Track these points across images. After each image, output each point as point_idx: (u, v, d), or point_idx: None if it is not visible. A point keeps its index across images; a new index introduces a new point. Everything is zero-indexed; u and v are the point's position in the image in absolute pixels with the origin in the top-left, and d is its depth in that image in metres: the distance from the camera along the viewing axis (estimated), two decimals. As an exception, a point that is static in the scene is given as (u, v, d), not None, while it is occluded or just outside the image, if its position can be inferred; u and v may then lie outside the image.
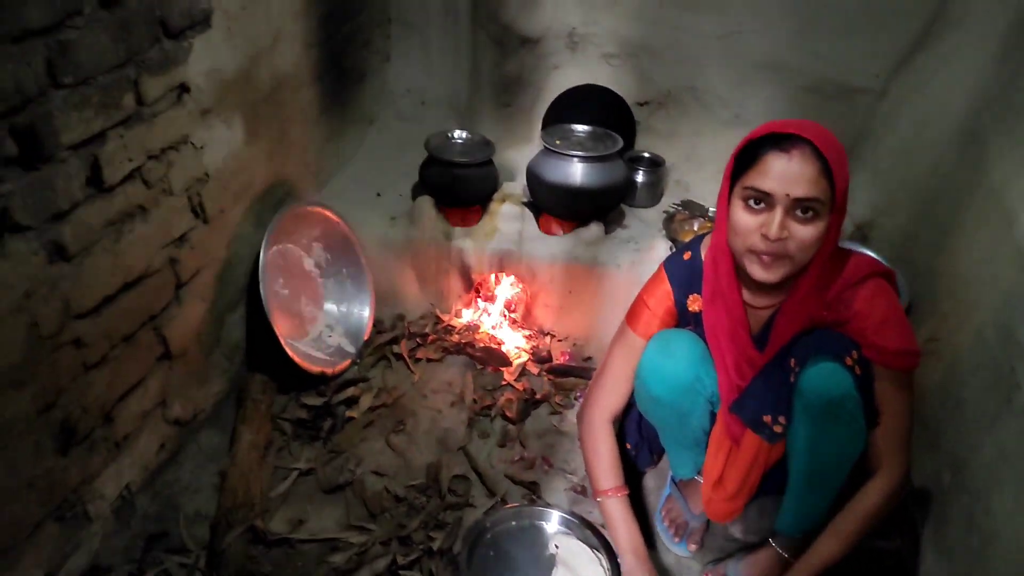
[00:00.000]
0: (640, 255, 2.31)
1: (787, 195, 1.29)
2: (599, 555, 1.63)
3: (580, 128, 2.44)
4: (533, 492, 1.85)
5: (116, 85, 1.41)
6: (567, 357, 2.32)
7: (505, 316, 2.42)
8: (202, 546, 1.64)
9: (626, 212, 2.53)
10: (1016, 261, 1.59)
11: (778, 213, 1.30)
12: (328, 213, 2.24)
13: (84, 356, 1.44)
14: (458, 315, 2.43)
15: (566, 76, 2.79)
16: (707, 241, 1.55)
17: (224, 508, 1.68)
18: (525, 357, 2.29)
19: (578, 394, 2.18)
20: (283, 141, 2.15)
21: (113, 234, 1.47)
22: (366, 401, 2.07)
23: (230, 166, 1.87)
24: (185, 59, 1.62)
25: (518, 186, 2.51)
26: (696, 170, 2.74)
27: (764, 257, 1.34)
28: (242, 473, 1.75)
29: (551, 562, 1.64)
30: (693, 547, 1.73)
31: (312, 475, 1.85)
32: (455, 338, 2.33)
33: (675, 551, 1.74)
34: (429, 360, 2.26)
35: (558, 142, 2.33)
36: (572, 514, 1.73)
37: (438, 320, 2.40)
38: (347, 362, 2.19)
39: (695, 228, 2.34)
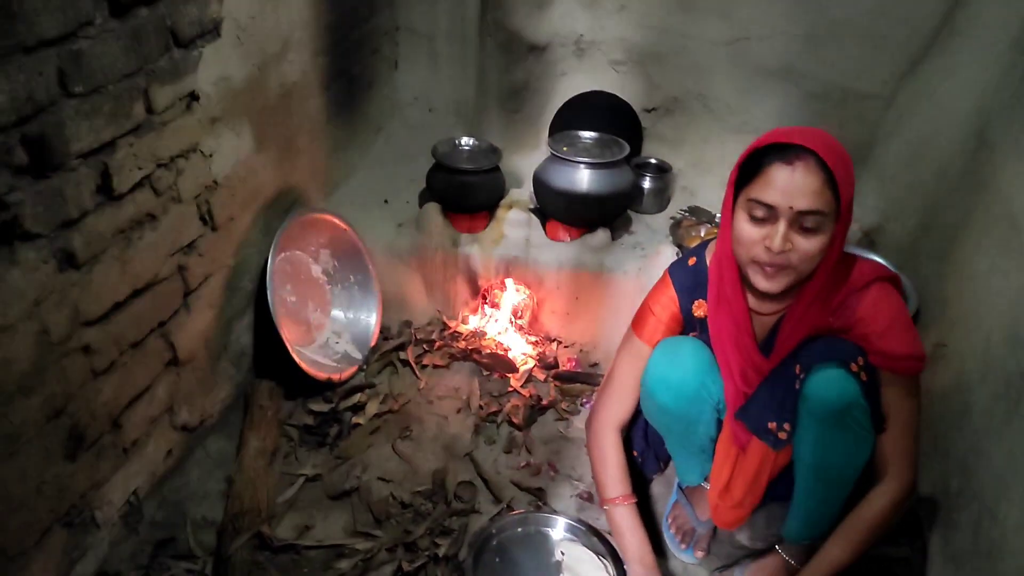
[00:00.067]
0: (647, 261, 2.31)
1: (790, 208, 1.28)
2: (605, 562, 1.63)
3: (587, 135, 2.45)
4: (539, 498, 1.85)
5: (126, 94, 1.43)
6: (573, 363, 2.32)
7: (512, 322, 2.42)
8: (209, 552, 1.65)
9: (633, 218, 2.54)
10: (1024, 267, 1.58)
11: (781, 226, 1.30)
12: (336, 220, 2.25)
13: (93, 363, 1.45)
14: (465, 321, 2.44)
15: (573, 83, 2.80)
16: (712, 247, 1.55)
17: (231, 514, 1.69)
18: (531, 363, 2.30)
19: (584, 400, 2.18)
20: (291, 149, 2.17)
21: (122, 242, 1.48)
22: (372, 407, 2.08)
23: (239, 174, 1.88)
24: (195, 68, 1.63)
25: (525, 192, 2.52)
26: (703, 176, 2.74)
27: (767, 268, 1.34)
28: (249, 479, 1.76)
29: (557, 569, 1.64)
30: (700, 554, 1.73)
31: (318, 481, 1.86)
32: (462, 344, 2.34)
33: (682, 558, 1.73)
34: (435, 366, 2.26)
35: (565, 148, 2.34)
36: (578, 521, 1.73)
37: (445, 326, 2.41)
38: (354, 368, 2.20)
39: (702, 234, 2.34)
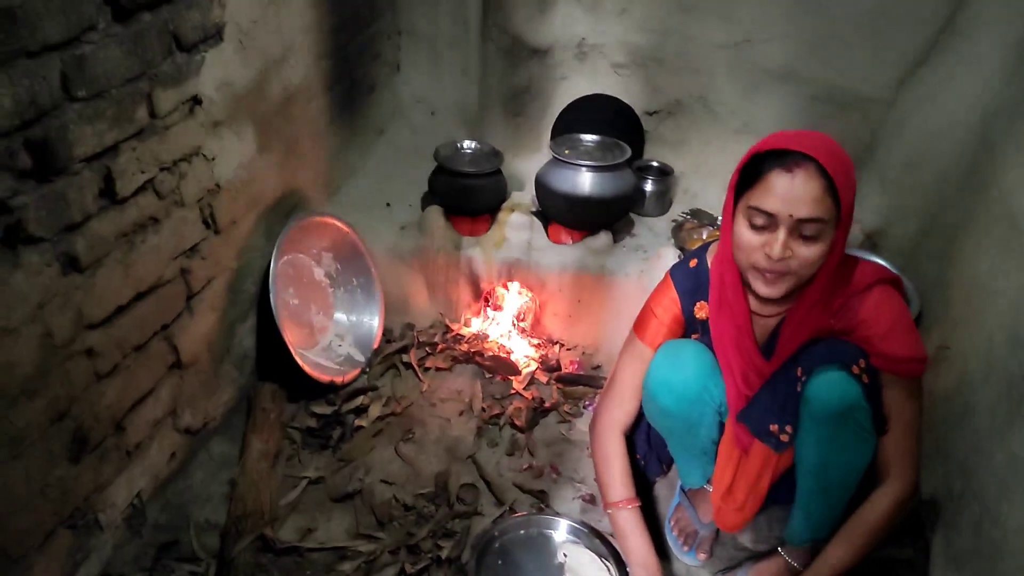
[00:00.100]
0: (649, 264, 2.31)
1: (790, 215, 1.28)
2: (608, 564, 1.63)
3: (588, 138, 2.45)
4: (542, 501, 1.85)
5: (129, 98, 1.43)
6: (576, 366, 2.32)
7: (514, 325, 2.42)
8: (212, 554, 1.65)
9: (635, 221, 2.54)
10: (1026, 269, 1.58)
11: (781, 233, 1.30)
12: (338, 223, 2.26)
13: (96, 366, 1.46)
14: (467, 324, 2.44)
15: (575, 86, 2.80)
16: (713, 248, 1.55)
17: (234, 516, 1.69)
18: (534, 366, 2.30)
19: (587, 403, 2.18)
20: (294, 152, 2.17)
21: (125, 245, 1.49)
22: (375, 410, 2.08)
23: (241, 177, 1.89)
24: (197, 72, 1.64)
25: (527, 195, 2.53)
26: (705, 179, 2.74)
27: (767, 275, 1.34)
28: (252, 482, 1.76)
29: (559, 571, 1.65)
30: (703, 556, 1.73)
31: (321, 484, 1.86)
32: (464, 347, 2.34)
33: (684, 560, 1.73)
34: (438, 369, 2.26)
35: (567, 152, 2.34)
36: (580, 523, 1.73)
37: (447, 329, 2.41)
38: (356, 371, 2.21)
39: (704, 237, 2.34)
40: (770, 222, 1.30)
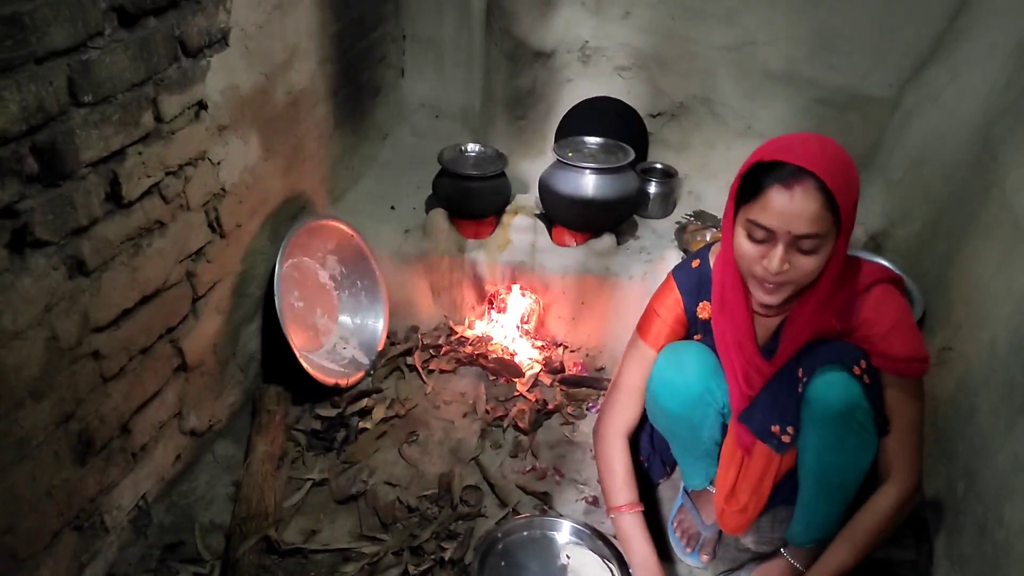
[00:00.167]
0: (652, 266, 2.32)
1: (788, 232, 1.27)
2: (610, 565, 1.64)
3: (592, 140, 2.46)
4: (545, 503, 1.86)
5: (135, 103, 1.45)
6: (579, 368, 2.33)
7: (518, 327, 2.43)
8: (217, 556, 1.67)
9: (639, 223, 2.55)
10: (1029, 270, 1.58)
11: (779, 249, 1.29)
12: (343, 226, 2.27)
13: (102, 368, 1.47)
14: (471, 326, 2.45)
15: (579, 89, 2.81)
16: (715, 249, 1.55)
17: (238, 518, 1.70)
18: (538, 368, 2.31)
19: (590, 404, 2.18)
20: (298, 156, 2.19)
21: (131, 249, 1.50)
22: (379, 412, 2.09)
23: (246, 181, 1.90)
24: (203, 77, 1.66)
25: (531, 198, 2.53)
26: (709, 181, 2.74)
27: (766, 284, 1.34)
28: (256, 483, 1.77)
29: (562, 572, 1.65)
30: (705, 558, 1.73)
31: (325, 485, 1.87)
32: (468, 349, 2.35)
33: (687, 562, 1.73)
34: (442, 371, 2.27)
35: (570, 154, 2.35)
36: (583, 524, 1.74)
37: (451, 332, 2.42)
38: (361, 373, 2.22)
39: (707, 238, 2.34)
40: (768, 236, 1.30)
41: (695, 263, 1.58)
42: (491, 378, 2.26)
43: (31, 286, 1.26)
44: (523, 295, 2.43)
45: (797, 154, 1.26)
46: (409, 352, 2.33)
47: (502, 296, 2.44)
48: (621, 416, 1.64)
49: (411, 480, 1.91)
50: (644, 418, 1.67)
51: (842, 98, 2.55)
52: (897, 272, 1.57)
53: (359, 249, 2.32)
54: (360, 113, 2.63)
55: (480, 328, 2.44)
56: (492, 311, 2.46)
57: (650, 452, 1.82)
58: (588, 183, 2.29)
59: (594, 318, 2.38)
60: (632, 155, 2.37)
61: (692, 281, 1.57)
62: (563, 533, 1.73)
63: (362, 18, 2.53)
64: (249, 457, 1.86)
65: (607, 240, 2.37)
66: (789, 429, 1.46)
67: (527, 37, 2.67)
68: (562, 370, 2.30)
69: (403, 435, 2.04)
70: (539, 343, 2.42)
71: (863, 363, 1.38)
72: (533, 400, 2.18)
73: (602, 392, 2.19)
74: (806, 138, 1.32)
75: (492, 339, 2.40)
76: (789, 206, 1.26)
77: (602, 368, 2.33)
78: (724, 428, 1.59)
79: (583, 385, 2.25)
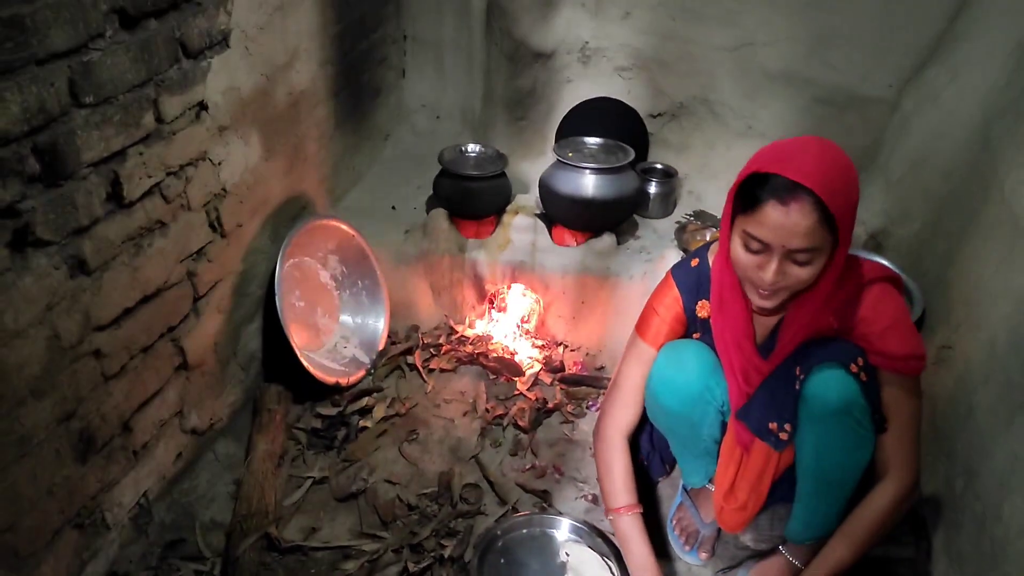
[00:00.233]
0: (652, 265, 2.32)
1: (783, 246, 1.28)
2: (609, 563, 1.64)
3: (592, 140, 2.47)
4: (544, 501, 1.87)
5: (136, 104, 1.46)
6: (579, 367, 2.33)
7: (518, 327, 2.44)
8: (217, 553, 1.67)
9: (639, 223, 2.55)
10: (1027, 269, 1.58)
11: (774, 262, 1.30)
12: (343, 226, 2.28)
13: (104, 367, 1.48)
14: (471, 326, 2.45)
15: (579, 89, 2.82)
16: (714, 248, 1.56)
17: (239, 516, 1.71)
18: (538, 367, 2.31)
19: (590, 403, 2.19)
20: (299, 156, 2.20)
21: (132, 248, 1.51)
22: (380, 411, 2.10)
23: (247, 181, 1.91)
24: (203, 78, 1.67)
25: (531, 198, 2.54)
26: (709, 181, 2.75)
27: (761, 291, 1.35)
28: (257, 482, 1.78)
29: (562, 570, 1.66)
30: (704, 556, 1.73)
31: (326, 484, 1.88)
32: (468, 348, 2.36)
33: (686, 560, 1.74)
34: (442, 370, 2.28)
35: (570, 154, 2.35)
36: (583, 522, 1.74)
37: (452, 331, 2.43)
38: (362, 372, 2.23)
39: (707, 238, 2.35)
40: (764, 248, 1.30)
41: (694, 262, 1.58)
42: (491, 377, 2.27)
43: (32, 285, 1.27)
44: (523, 295, 2.43)
45: (795, 167, 1.25)
46: (410, 351, 2.33)
47: (502, 296, 2.45)
48: (621, 416, 1.64)
49: (411, 478, 1.92)
50: (644, 416, 1.67)
51: (842, 98, 2.56)
52: (895, 271, 1.57)
53: (360, 249, 2.33)
54: (361, 114, 2.64)
55: (480, 327, 2.45)
56: (492, 310, 2.47)
57: (649, 450, 1.83)
58: (588, 183, 2.30)
59: (594, 317, 2.39)
60: (632, 155, 2.38)
61: (691, 280, 1.58)
62: (562, 531, 1.74)
63: (363, 19, 2.54)
64: (250, 455, 1.87)
65: (607, 240, 2.38)
66: (787, 426, 1.46)
67: (527, 38, 2.68)
68: (562, 369, 2.31)
69: (403, 433, 2.05)
70: (539, 342, 2.42)
71: (860, 361, 1.39)
72: (533, 399, 2.18)
73: (602, 391, 2.19)
74: (805, 146, 1.29)
75: (492, 338, 2.40)
76: (785, 222, 1.25)
77: (602, 367, 2.34)
78: (724, 426, 1.60)
79: (583, 384, 2.26)
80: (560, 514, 1.78)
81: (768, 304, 1.37)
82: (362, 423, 2.06)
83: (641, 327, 1.63)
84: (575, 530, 1.73)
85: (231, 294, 1.92)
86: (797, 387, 1.43)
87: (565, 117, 2.80)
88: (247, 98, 1.86)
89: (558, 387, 2.24)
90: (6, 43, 1.15)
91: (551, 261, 2.38)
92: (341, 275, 2.34)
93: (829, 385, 1.38)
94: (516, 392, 2.21)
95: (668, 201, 2.60)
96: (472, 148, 2.50)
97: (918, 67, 2.42)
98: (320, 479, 1.89)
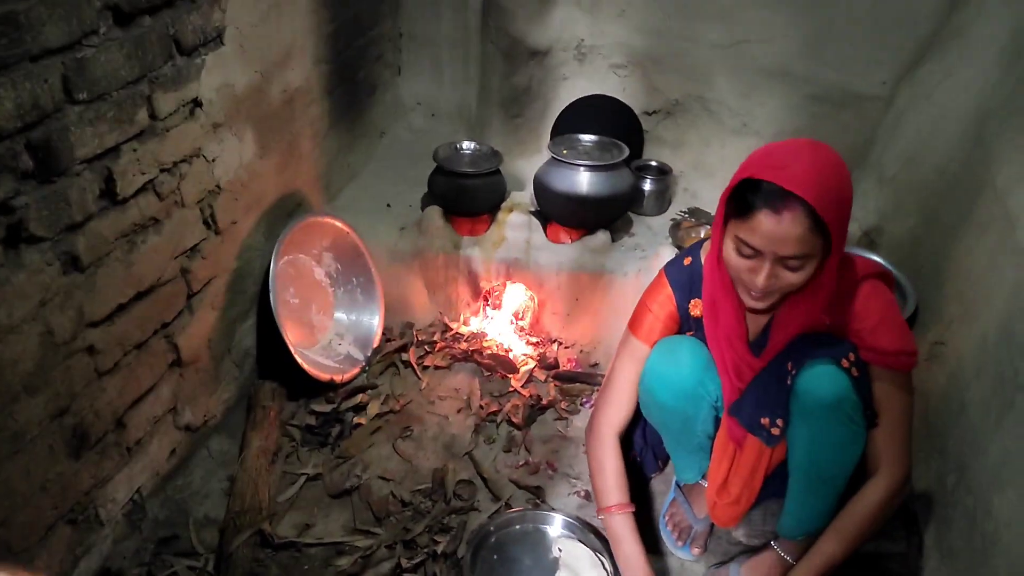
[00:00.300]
0: (647, 262, 2.33)
1: (775, 252, 1.28)
2: (602, 558, 1.65)
3: (587, 138, 2.47)
4: (537, 497, 1.87)
5: (130, 101, 1.46)
6: (574, 364, 2.34)
7: (512, 324, 2.44)
8: (211, 549, 1.68)
9: (634, 220, 2.56)
10: (1019, 265, 1.59)
11: (766, 267, 1.30)
12: (338, 223, 2.28)
13: (97, 363, 1.48)
14: (466, 323, 2.46)
15: (574, 87, 2.82)
16: (707, 246, 1.56)
17: (232, 512, 1.71)
18: (532, 364, 2.32)
19: (584, 400, 2.19)
20: (294, 154, 2.20)
21: (126, 245, 1.51)
22: (374, 408, 2.11)
23: (241, 178, 1.91)
24: (198, 75, 1.67)
25: (526, 195, 2.54)
26: (704, 178, 2.76)
27: (753, 293, 1.35)
28: (251, 478, 1.78)
29: (554, 565, 1.66)
30: (697, 551, 1.74)
31: (320, 480, 1.89)
32: (463, 346, 2.36)
33: (679, 555, 1.74)
34: (437, 367, 2.29)
35: (565, 151, 2.36)
36: (575, 518, 1.75)
37: (446, 328, 2.43)
38: (356, 369, 2.23)
39: (701, 235, 2.35)
40: (756, 253, 1.31)
41: (687, 260, 1.59)
42: (485, 374, 2.27)
43: (26, 281, 1.28)
44: (518, 292, 2.44)
45: (788, 175, 1.24)
46: (404, 348, 2.34)
47: (497, 293, 2.45)
48: (613, 415, 1.64)
49: (405, 475, 1.92)
50: (637, 412, 1.67)
51: (836, 95, 2.56)
52: (887, 267, 1.58)
53: (355, 246, 2.33)
54: (356, 111, 2.64)
55: (475, 324, 2.45)
56: (487, 308, 2.47)
57: (643, 447, 1.83)
58: (582, 180, 2.31)
59: (588, 314, 2.39)
60: (626, 152, 2.39)
61: (684, 278, 1.58)
62: (555, 527, 1.74)
63: (358, 17, 2.54)
64: (244, 452, 1.87)
65: (601, 237, 2.38)
66: (779, 422, 1.47)
67: (523, 35, 2.68)
68: (556, 366, 2.31)
69: (397, 430, 2.06)
70: (534, 339, 2.43)
71: (852, 356, 1.39)
72: (527, 396, 2.19)
73: (596, 388, 2.20)
74: (799, 151, 1.29)
75: (487, 335, 2.41)
76: (777, 230, 1.26)
77: (596, 364, 2.34)
78: (717, 422, 1.60)
79: (577, 381, 2.26)
80: (553, 510, 1.79)
81: (760, 306, 1.38)
82: (356, 420, 2.06)
83: (634, 325, 1.64)
84: (568, 526, 1.74)
85: (225, 291, 1.92)
86: (789, 382, 1.43)
87: (560, 114, 2.80)
88: (241, 95, 1.86)
89: (552, 384, 2.25)
90: (0, 39, 1.15)
91: (546, 258, 2.38)
92: (336, 272, 2.34)
93: (821, 380, 1.38)
94: (510, 389, 2.22)
95: (663, 198, 2.60)
96: (467, 145, 2.50)
97: (912, 64, 2.43)
98: (314, 475, 1.89)
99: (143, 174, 1.53)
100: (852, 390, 1.38)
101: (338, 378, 2.15)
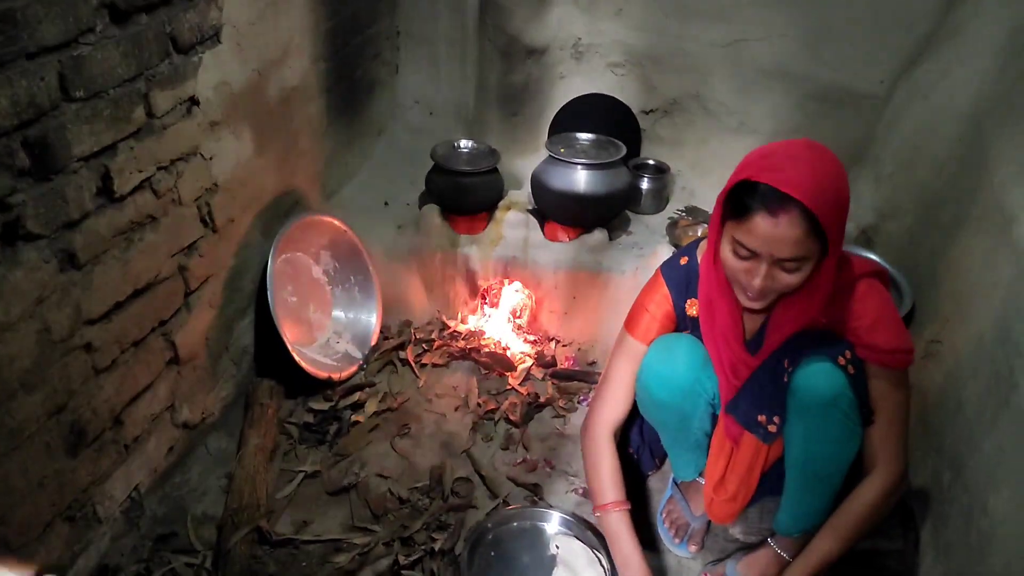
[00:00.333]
0: (644, 261, 2.33)
1: (771, 254, 1.28)
2: (599, 555, 1.65)
3: (584, 136, 2.47)
4: (535, 494, 1.87)
5: (127, 98, 1.46)
6: (571, 362, 2.34)
7: (510, 322, 2.45)
8: (209, 546, 1.68)
9: (632, 219, 2.56)
10: (1015, 263, 1.59)
11: (762, 268, 1.30)
12: (336, 222, 2.28)
13: (94, 361, 1.48)
14: (464, 321, 2.46)
15: (572, 85, 2.83)
16: (703, 245, 1.56)
17: (230, 509, 1.71)
18: (529, 362, 2.32)
19: (581, 398, 2.20)
20: (292, 152, 2.20)
21: (123, 243, 1.51)
22: (372, 405, 2.11)
23: (239, 176, 1.91)
24: (195, 73, 1.67)
25: (523, 194, 2.55)
26: (702, 177, 2.76)
27: (749, 293, 1.36)
28: (248, 476, 1.79)
29: (552, 562, 1.66)
30: (694, 548, 1.74)
31: (317, 478, 1.89)
32: (461, 344, 2.36)
33: (676, 552, 1.75)
34: (435, 365, 2.29)
35: (562, 150, 2.36)
36: (572, 515, 1.75)
37: (444, 326, 2.43)
38: (354, 367, 2.23)
39: (699, 233, 2.36)
40: (753, 255, 1.31)
41: (683, 260, 1.59)
42: (483, 372, 2.28)
43: (23, 279, 1.28)
44: (516, 290, 2.44)
45: (785, 178, 1.24)
46: (402, 346, 2.34)
47: (495, 291, 2.45)
48: (608, 413, 1.64)
49: (403, 472, 1.92)
50: (634, 410, 1.68)
51: (834, 94, 2.57)
52: (883, 265, 1.58)
53: (352, 244, 2.33)
54: (354, 109, 2.64)
55: (472, 323, 2.46)
56: (485, 306, 2.47)
57: (640, 444, 1.84)
58: (580, 179, 2.31)
59: (586, 313, 2.39)
60: (624, 151, 2.39)
61: (680, 278, 1.58)
62: (552, 524, 1.75)
63: (356, 15, 2.54)
64: (241, 450, 1.87)
65: (599, 235, 2.39)
66: (775, 419, 1.47)
67: (521, 34, 2.68)
68: (554, 364, 2.32)
69: (395, 428, 2.06)
70: (531, 337, 2.43)
71: (848, 354, 1.40)
72: (525, 394, 2.19)
73: (593, 386, 2.20)
74: (796, 153, 1.28)
75: (484, 334, 2.41)
76: (773, 233, 1.26)
77: (593, 362, 2.35)
78: (714, 419, 1.61)
79: (574, 379, 2.27)
80: (550, 507, 1.79)
81: (756, 306, 1.38)
82: (354, 418, 2.07)
83: (631, 324, 1.64)
84: (565, 523, 1.74)
85: (223, 289, 1.92)
86: (785, 380, 1.44)
87: (558, 113, 2.81)
88: (239, 93, 1.86)
89: (550, 382, 2.25)
90: (-4, 37, 1.15)
91: (543, 257, 2.39)
92: (333, 270, 2.34)
93: (817, 378, 1.39)
94: (508, 387, 2.22)
95: (660, 197, 2.61)
96: (465, 144, 2.50)
97: (909, 63, 2.44)
98: (312, 473, 1.89)
99: (140, 172, 1.53)
100: (848, 387, 1.38)
101: (336, 376, 2.15)
